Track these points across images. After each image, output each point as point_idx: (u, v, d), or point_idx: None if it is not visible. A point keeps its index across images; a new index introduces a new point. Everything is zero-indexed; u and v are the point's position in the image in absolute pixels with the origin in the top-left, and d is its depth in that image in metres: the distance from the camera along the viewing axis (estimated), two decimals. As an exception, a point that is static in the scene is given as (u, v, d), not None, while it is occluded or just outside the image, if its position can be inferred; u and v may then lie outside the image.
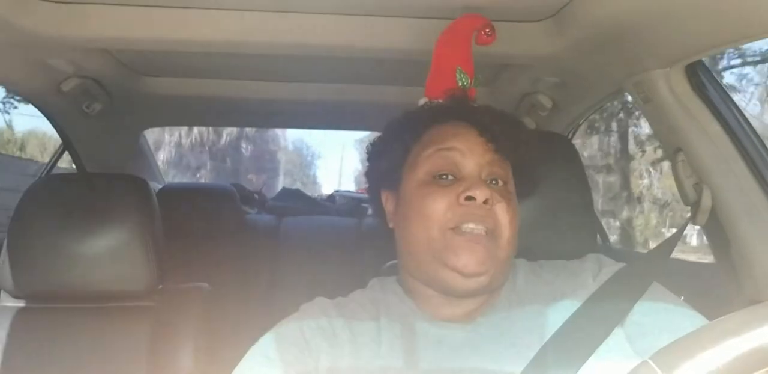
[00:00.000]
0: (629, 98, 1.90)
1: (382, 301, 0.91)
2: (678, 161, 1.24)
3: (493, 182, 0.88)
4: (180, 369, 1.23)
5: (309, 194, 3.13)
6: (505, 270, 0.88)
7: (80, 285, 1.26)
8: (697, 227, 1.24)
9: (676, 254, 1.05)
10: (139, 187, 1.34)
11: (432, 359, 0.82)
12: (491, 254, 0.83)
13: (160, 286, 1.34)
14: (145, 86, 1.96)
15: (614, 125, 10.28)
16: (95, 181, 1.41)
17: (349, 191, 3.21)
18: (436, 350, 0.83)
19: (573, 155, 1.15)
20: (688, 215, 1.24)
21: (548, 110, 1.83)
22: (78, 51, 1.53)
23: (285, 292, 2.15)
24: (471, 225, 0.83)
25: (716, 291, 1.25)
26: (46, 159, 2.27)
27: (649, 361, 0.49)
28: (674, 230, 1.17)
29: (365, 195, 1.20)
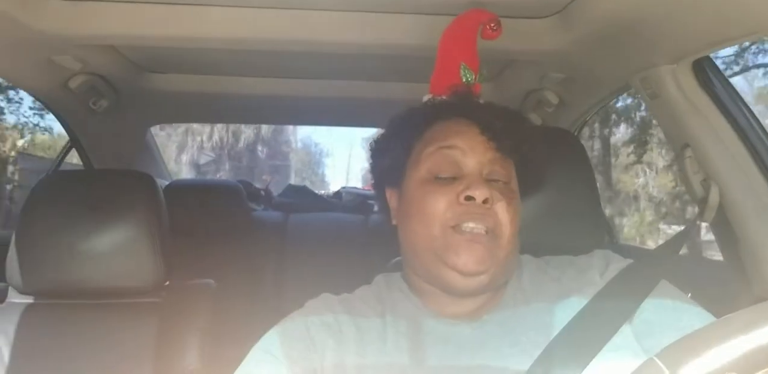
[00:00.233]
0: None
1: (387, 298, 0.91)
2: (685, 157, 1.24)
3: (495, 180, 0.88)
4: (186, 365, 1.24)
5: (316, 191, 3.14)
6: (507, 269, 0.88)
7: (87, 281, 1.26)
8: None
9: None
10: (146, 183, 1.35)
11: (438, 356, 0.82)
12: (491, 253, 0.83)
13: (167, 282, 1.34)
14: (152, 83, 1.96)
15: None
16: (102, 177, 1.42)
17: (355, 188, 3.21)
18: (442, 347, 0.83)
19: (580, 151, 1.14)
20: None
21: (554, 106, 1.83)
22: (85, 48, 1.53)
23: (291, 288, 2.16)
24: (471, 224, 0.83)
25: (724, 288, 1.25)
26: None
27: (655, 359, 0.49)
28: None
29: (372, 192, 1.20)
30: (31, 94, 1.78)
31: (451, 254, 0.83)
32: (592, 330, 0.81)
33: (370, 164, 1.02)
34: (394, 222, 0.96)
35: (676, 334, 0.74)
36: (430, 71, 1.09)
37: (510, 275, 0.90)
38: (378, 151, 1.00)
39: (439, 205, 0.84)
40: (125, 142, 2.41)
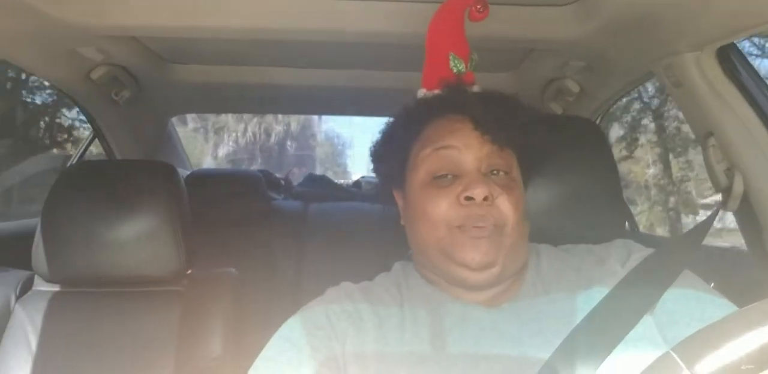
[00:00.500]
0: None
1: (405, 286, 0.92)
2: (709, 145, 1.22)
3: (495, 172, 0.88)
4: (209, 353, 1.25)
5: (337, 180, 3.14)
6: (518, 256, 0.88)
7: (111, 270, 1.28)
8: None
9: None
10: (168, 173, 1.36)
11: (457, 344, 0.82)
12: (497, 245, 0.84)
13: (189, 271, 1.36)
14: (173, 73, 1.98)
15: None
16: (125, 167, 1.44)
17: (374, 177, 3.20)
18: (461, 334, 0.83)
19: (601, 140, 1.13)
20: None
21: (575, 95, 1.81)
22: (106, 39, 1.55)
23: (311, 277, 2.17)
24: (475, 225, 0.84)
25: (748, 278, 1.23)
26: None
27: (672, 353, 0.49)
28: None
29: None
30: (54, 85, 1.80)
31: (458, 251, 0.84)
32: (613, 319, 0.80)
33: (373, 168, 1.03)
34: (402, 222, 0.97)
35: (700, 325, 0.74)
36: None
37: (522, 262, 0.90)
38: (377, 157, 1.01)
39: (442, 208, 0.85)
40: (147, 132, 2.43)
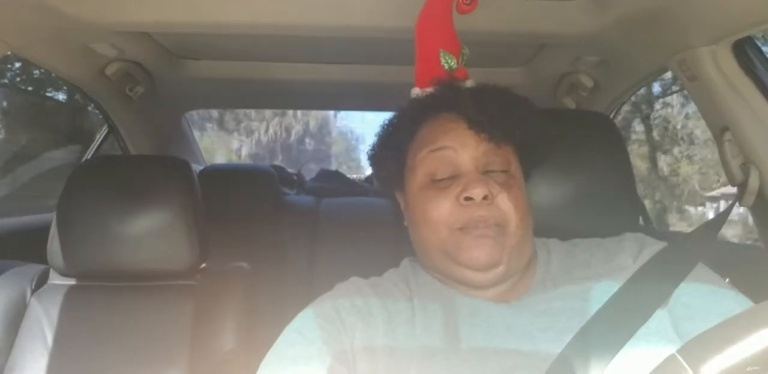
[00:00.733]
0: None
1: (414, 281, 0.92)
2: (724, 140, 1.21)
3: (493, 170, 0.87)
4: (222, 346, 1.26)
5: (349, 175, 3.14)
6: (522, 254, 0.87)
7: (125, 264, 1.29)
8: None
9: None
10: (182, 168, 1.37)
11: (468, 339, 0.82)
12: (501, 244, 0.84)
13: (203, 265, 1.37)
14: (187, 69, 1.99)
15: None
16: (139, 162, 1.44)
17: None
18: (471, 329, 0.83)
19: (615, 134, 1.12)
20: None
21: (589, 89, 1.80)
22: (120, 35, 1.56)
23: (323, 271, 2.18)
24: (477, 225, 0.83)
25: (764, 274, 1.22)
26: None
27: (677, 355, 0.49)
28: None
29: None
30: (69, 81, 1.81)
31: (461, 253, 0.84)
32: (626, 313, 0.80)
33: (373, 173, 1.03)
34: (405, 224, 0.97)
35: (715, 319, 0.74)
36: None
37: (527, 259, 0.89)
38: (375, 161, 1.01)
39: (442, 210, 0.85)
40: (161, 128, 2.45)
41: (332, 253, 2.22)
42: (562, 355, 0.77)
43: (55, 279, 1.35)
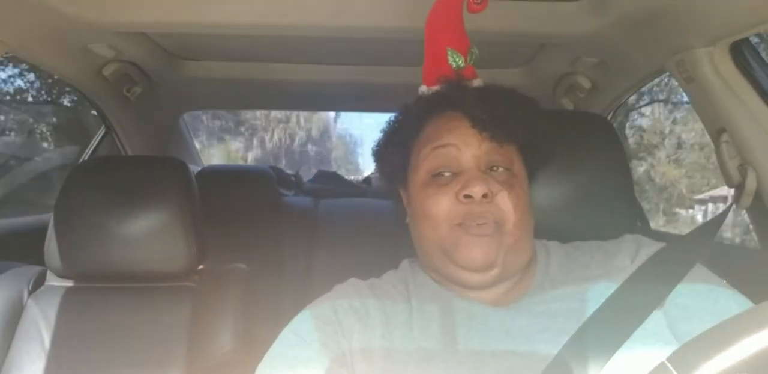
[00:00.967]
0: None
1: (412, 283, 0.92)
2: (722, 142, 1.21)
3: (495, 169, 0.87)
4: (219, 348, 1.26)
5: (348, 177, 3.15)
6: (520, 255, 0.87)
7: (123, 265, 1.29)
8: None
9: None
10: (179, 169, 1.37)
11: (465, 341, 0.82)
12: (498, 244, 0.83)
13: (200, 267, 1.37)
14: (184, 70, 1.98)
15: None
16: (137, 164, 1.44)
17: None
18: (469, 331, 0.83)
19: (612, 136, 1.12)
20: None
21: (587, 90, 1.80)
22: (118, 35, 1.55)
23: (321, 273, 2.17)
24: (475, 223, 0.83)
25: (761, 276, 1.22)
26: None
27: (666, 363, 0.49)
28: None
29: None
30: (67, 81, 1.81)
31: (458, 252, 0.84)
32: (623, 314, 0.80)
33: (377, 168, 1.03)
34: (407, 221, 0.97)
35: (712, 318, 0.73)
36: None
37: (526, 260, 0.89)
38: (380, 156, 1.01)
39: (442, 206, 0.85)
40: (158, 128, 2.45)
41: (330, 254, 2.22)
42: (559, 356, 0.76)
43: (53, 281, 1.35)
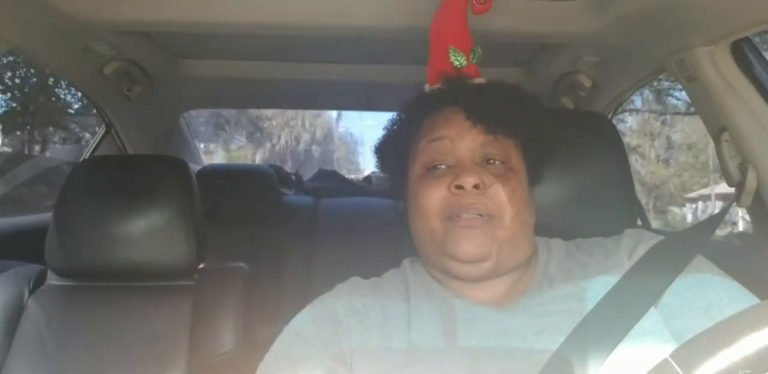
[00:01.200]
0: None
1: (412, 282, 0.92)
2: (722, 140, 1.21)
3: (491, 161, 0.87)
4: (220, 347, 1.26)
5: (349, 176, 3.15)
6: (516, 250, 0.86)
7: (124, 264, 1.29)
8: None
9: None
10: (180, 168, 1.37)
11: (462, 341, 0.81)
12: (491, 236, 0.83)
13: (201, 265, 1.37)
14: (185, 69, 1.98)
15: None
16: (137, 162, 1.44)
17: (385, 172, 3.19)
18: (465, 330, 0.83)
19: (613, 134, 1.12)
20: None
21: (588, 89, 1.80)
22: (118, 34, 1.55)
23: (322, 272, 2.17)
24: (465, 214, 0.83)
25: (761, 274, 1.22)
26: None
27: (669, 359, 0.49)
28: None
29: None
30: (67, 80, 1.81)
31: (450, 244, 0.83)
32: (619, 312, 0.79)
33: (379, 165, 1.04)
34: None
35: (698, 314, 0.73)
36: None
37: (524, 257, 0.88)
38: (381, 153, 1.01)
39: (434, 198, 0.85)
40: (159, 127, 2.45)
41: (330, 253, 2.23)
42: (555, 356, 0.76)
43: (53, 280, 1.35)
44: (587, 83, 1.78)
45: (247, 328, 1.30)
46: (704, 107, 1.28)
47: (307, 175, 3.14)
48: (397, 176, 0.99)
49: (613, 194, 1.06)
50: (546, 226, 0.97)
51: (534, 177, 0.95)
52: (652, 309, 0.80)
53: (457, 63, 1.00)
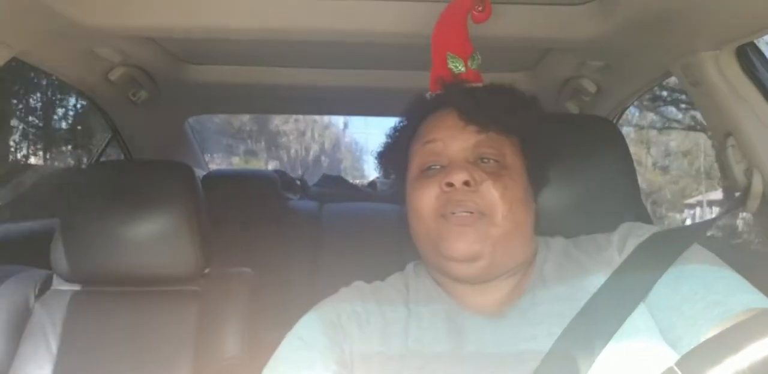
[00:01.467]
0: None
1: (413, 286, 0.92)
2: (728, 145, 1.21)
3: (485, 160, 0.87)
4: (225, 352, 1.26)
5: (353, 181, 3.15)
6: (511, 249, 0.85)
7: (129, 269, 1.29)
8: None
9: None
10: (185, 173, 1.37)
11: (457, 347, 0.82)
12: (483, 234, 0.82)
13: (206, 270, 1.37)
14: (190, 74, 1.99)
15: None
16: (142, 168, 1.44)
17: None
18: (462, 335, 0.83)
19: (618, 139, 1.12)
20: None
21: (592, 94, 1.80)
22: (124, 40, 1.56)
23: (326, 277, 2.17)
24: (456, 210, 0.83)
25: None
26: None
27: (675, 368, 0.49)
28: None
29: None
30: (73, 86, 1.81)
31: (443, 243, 0.83)
32: (605, 312, 0.78)
33: (381, 173, 1.05)
34: None
35: (673, 314, 0.73)
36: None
37: (521, 257, 0.88)
38: (383, 160, 1.03)
39: (427, 197, 0.86)
40: (164, 133, 2.45)
41: (335, 258, 2.22)
42: (544, 361, 0.76)
43: (59, 285, 1.35)
44: (592, 88, 1.78)
45: (253, 333, 1.30)
46: (709, 111, 1.27)
47: (312, 180, 3.14)
48: (400, 182, 0.99)
49: (618, 198, 1.05)
50: (552, 230, 0.96)
51: (536, 178, 0.94)
52: (642, 305, 0.79)
53: (455, 69, 1.01)
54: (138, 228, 1.28)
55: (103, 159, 2.36)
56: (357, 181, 3.34)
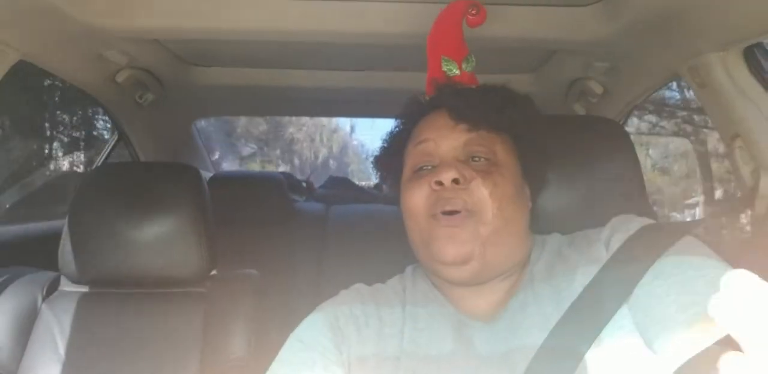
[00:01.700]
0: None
1: (410, 289, 0.92)
2: (735, 147, 1.21)
3: (476, 159, 0.86)
4: (232, 353, 1.26)
5: (359, 182, 3.15)
6: (502, 247, 0.84)
7: (136, 271, 1.29)
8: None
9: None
10: (191, 175, 1.37)
11: (450, 350, 0.82)
12: (473, 234, 0.81)
13: (213, 272, 1.37)
14: (196, 76, 2.00)
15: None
16: (149, 170, 1.45)
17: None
18: (455, 338, 0.82)
19: (625, 141, 1.11)
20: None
21: (599, 96, 1.79)
22: (130, 42, 1.57)
23: (332, 278, 2.17)
24: (445, 209, 0.82)
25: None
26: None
27: None
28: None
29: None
30: (80, 88, 1.82)
31: (434, 245, 0.83)
32: (588, 313, 0.76)
33: (379, 177, 1.05)
34: None
35: (644, 315, 0.72)
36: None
37: (515, 258, 0.86)
38: (379, 164, 1.02)
39: (417, 198, 0.86)
40: (170, 135, 2.46)
41: (341, 260, 2.22)
42: (532, 363, 0.75)
43: (66, 286, 1.36)
44: (598, 89, 1.78)
45: (259, 334, 1.30)
46: (717, 113, 1.27)
47: (319, 182, 3.14)
48: (397, 185, 0.99)
49: (625, 200, 1.05)
50: (559, 232, 0.96)
51: (532, 176, 0.93)
52: (625, 305, 0.76)
53: (448, 72, 1.01)
54: (144, 230, 1.28)
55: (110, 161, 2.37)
56: (363, 183, 3.34)
